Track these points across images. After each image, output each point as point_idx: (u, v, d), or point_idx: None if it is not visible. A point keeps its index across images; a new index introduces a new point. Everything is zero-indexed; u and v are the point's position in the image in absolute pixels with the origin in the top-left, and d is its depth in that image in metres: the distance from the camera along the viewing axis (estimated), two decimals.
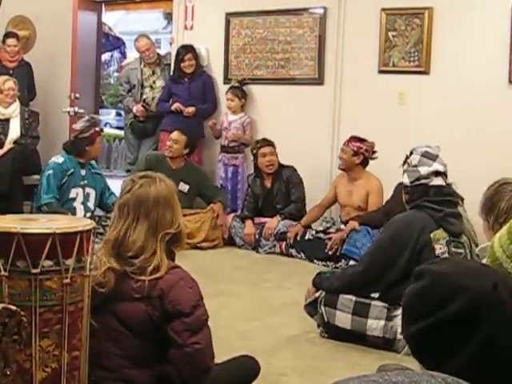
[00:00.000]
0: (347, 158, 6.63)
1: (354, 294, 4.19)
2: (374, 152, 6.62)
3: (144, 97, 8.31)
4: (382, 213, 6.29)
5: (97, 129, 6.66)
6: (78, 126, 6.65)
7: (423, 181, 4.07)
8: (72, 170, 6.56)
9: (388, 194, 6.34)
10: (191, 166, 7.32)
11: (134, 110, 8.24)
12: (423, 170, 4.06)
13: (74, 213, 6.52)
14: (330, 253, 6.34)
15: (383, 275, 4.08)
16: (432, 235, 4.03)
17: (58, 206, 6.40)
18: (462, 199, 5.27)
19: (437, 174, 4.08)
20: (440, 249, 4.01)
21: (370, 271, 4.13)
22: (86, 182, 6.68)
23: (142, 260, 2.72)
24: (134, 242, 2.74)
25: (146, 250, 2.73)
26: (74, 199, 6.59)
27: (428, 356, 1.51)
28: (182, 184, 6.85)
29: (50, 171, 6.48)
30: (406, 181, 4.14)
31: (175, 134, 7.20)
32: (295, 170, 7.07)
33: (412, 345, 1.55)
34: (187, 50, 7.90)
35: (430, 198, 4.08)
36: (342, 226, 6.59)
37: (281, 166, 7.10)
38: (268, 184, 7.12)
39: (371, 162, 6.60)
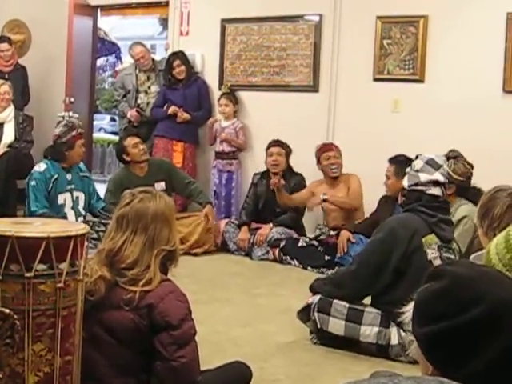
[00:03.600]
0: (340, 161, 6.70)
1: (347, 297, 4.18)
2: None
3: (139, 102, 8.31)
4: (368, 224, 6.32)
5: (74, 133, 6.45)
6: (57, 130, 6.51)
7: (420, 187, 4.07)
8: (56, 176, 6.43)
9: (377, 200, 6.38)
10: (154, 163, 7.14)
11: (128, 115, 8.24)
12: (423, 177, 4.06)
13: (65, 219, 6.44)
14: (342, 254, 6.34)
15: (376, 276, 4.06)
16: (424, 240, 4.04)
17: (50, 214, 6.26)
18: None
19: (436, 183, 4.07)
20: (432, 253, 4.02)
21: (363, 270, 4.12)
22: (73, 186, 6.55)
23: (135, 273, 2.73)
24: (129, 255, 2.74)
25: (140, 264, 2.74)
26: (63, 205, 6.48)
27: (441, 358, 1.48)
28: (156, 185, 6.71)
29: (33, 182, 6.34)
30: (405, 183, 4.16)
31: (136, 139, 7.04)
32: (304, 179, 7.08)
33: (425, 344, 1.52)
34: (175, 56, 7.92)
35: (424, 203, 4.08)
36: (332, 233, 6.61)
37: (291, 171, 7.13)
38: None
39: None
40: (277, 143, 7.11)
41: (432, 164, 4.09)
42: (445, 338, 1.47)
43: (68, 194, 6.52)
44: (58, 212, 6.41)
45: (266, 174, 7.20)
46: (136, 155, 6.97)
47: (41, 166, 6.47)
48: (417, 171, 4.10)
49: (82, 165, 6.82)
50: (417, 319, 1.56)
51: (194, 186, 7.19)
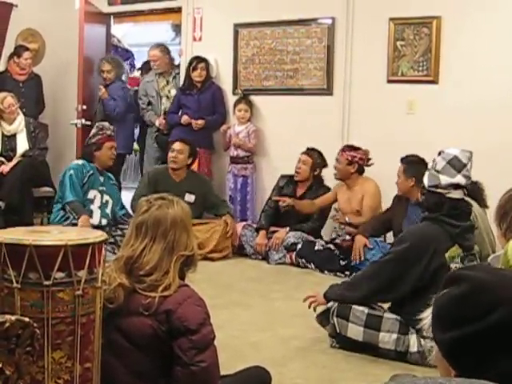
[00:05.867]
0: (342, 167, 6.65)
1: (358, 299, 4.15)
2: (368, 159, 6.64)
3: (163, 107, 8.31)
4: (380, 223, 6.29)
5: (102, 134, 6.72)
6: (91, 132, 6.87)
7: (440, 190, 3.93)
8: (92, 172, 6.66)
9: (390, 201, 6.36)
10: (194, 176, 7.29)
11: (157, 123, 8.23)
12: (444, 180, 3.91)
13: (90, 215, 6.56)
14: (358, 261, 6.30)
15: (391, 286, 4.03)
16: (447, 255, 3.96)
17: (80, 205, 6.49)
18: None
19: (457, 186, 3.92)
20: (456, 267, 3.94)
21: (379, 278, 4.07)
22: (104, 188, 6.75)
23: (154, 278, 2.73)
24: (148, 261, 2.75)
25: (159, 269, 2.74)
26: (91, 201, 6.65)
27: (466, 362, 1.47)
28: (187, 195, 6.82)
29: (71, 171, 6.57)
30: (425, 182, 4.01)
31: (178, 145, 7.14)
32: (329, 189, 7.03)
33: (447, 350, 1.50)
34: (200, 59, 7.93)
35: (446, 212, 3.96)
36: (347, 237, 6.59)
37: (321, 183, 7.09)
38: (299, 193, 7.09)
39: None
40: (307, 151, 7.05)
41: (454, 164, 3.91)
42: (468, 342, 1.46)
43: (98, 193, 6.74)
44: (85, 205, 6.58)
45: (293, 179, 7.15)
46: (168, 158, 7.19)
47: (79, 161, 6.79)
48: (438, 172, 3.93)
49: (110, 175, 6.93)
50: (438, 325, 1.54)
51: (224, 204, 7.37)
